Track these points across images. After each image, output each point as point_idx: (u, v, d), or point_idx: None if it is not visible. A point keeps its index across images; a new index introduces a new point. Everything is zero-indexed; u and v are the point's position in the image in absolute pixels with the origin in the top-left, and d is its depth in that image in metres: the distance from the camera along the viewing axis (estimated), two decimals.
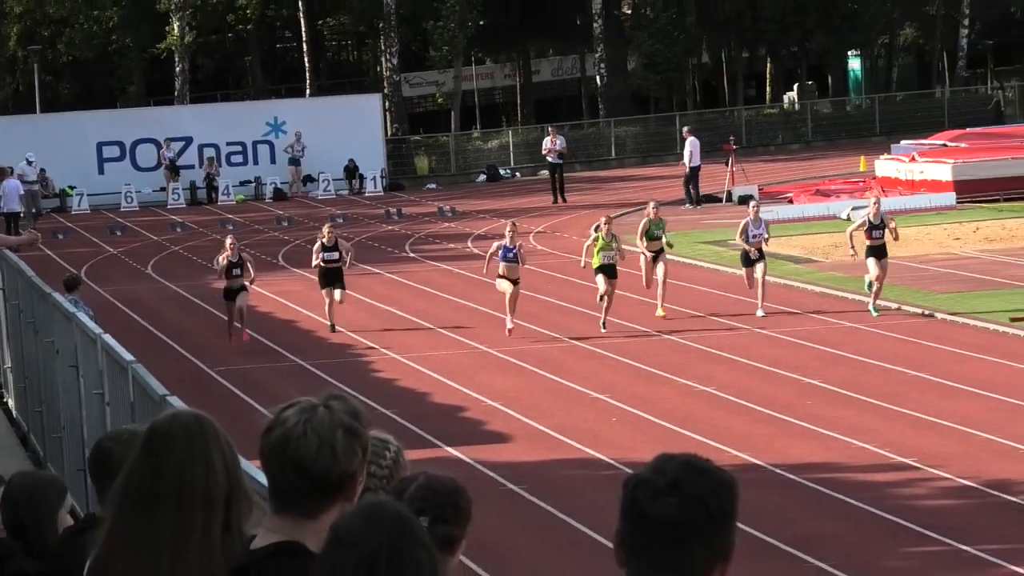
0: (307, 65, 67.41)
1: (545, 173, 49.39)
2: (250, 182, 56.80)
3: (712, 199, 46.48)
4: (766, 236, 27.78)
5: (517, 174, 56.77)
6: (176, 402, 8.81)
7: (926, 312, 25.22)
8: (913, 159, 45.59)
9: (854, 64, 69.78)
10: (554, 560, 17.21)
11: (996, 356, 23.64)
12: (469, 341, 26.54)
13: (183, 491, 4.18)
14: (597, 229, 27.28)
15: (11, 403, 20.92)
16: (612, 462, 19.03)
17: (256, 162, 57.76)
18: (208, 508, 4.18)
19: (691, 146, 47.46)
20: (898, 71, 71.15)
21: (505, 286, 24.89)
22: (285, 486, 4.01)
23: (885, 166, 46.23)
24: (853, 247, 27.27)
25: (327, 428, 3.89)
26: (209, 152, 56.36)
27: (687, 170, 46.81)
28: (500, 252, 24.61)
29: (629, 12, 67.91)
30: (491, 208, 49.81)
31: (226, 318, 26.56)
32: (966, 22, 67.95)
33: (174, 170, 55.47)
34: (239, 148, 57.68)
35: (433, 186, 58.06)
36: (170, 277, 38.13)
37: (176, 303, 34.31)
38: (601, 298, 25.73)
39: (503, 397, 23.53)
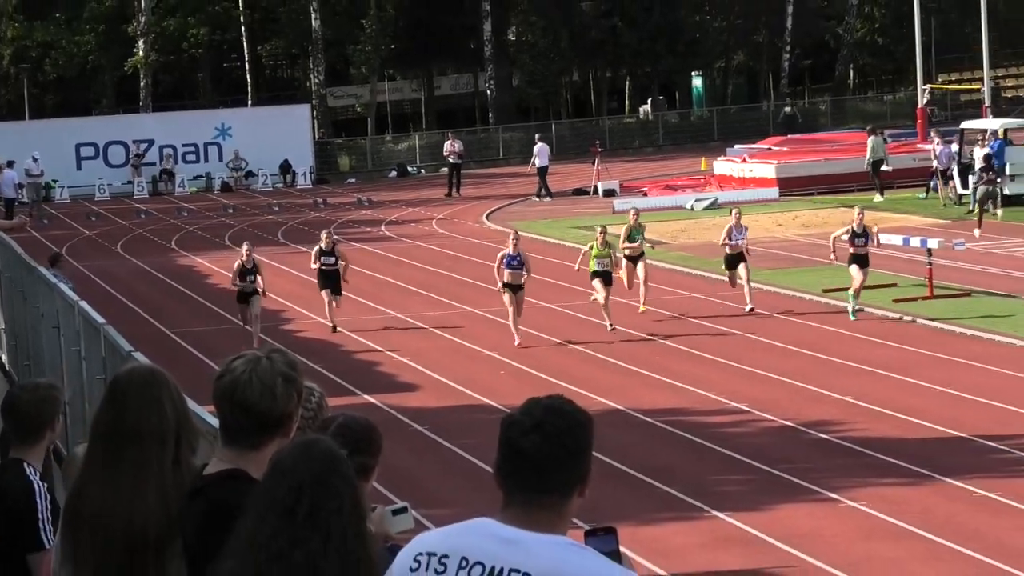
0: (249, 81, 67.13)
1: (445, 170, 49.52)
2: (201, 176, 57.08)
3: (582, 192, 46.48)
4: (745, 240, 24.84)
5: (422, 171, 57.25)
6: (140, 357, 8.37)
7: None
8: (744, 160, 46.62)
9: (697, 82, 70.15)
10: (450, 484, 17.25)
11: (810, 320, 23.72)
12: (379, 307, 26.16)
13: (140, 430, 4.27)
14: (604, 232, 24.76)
15: (4, 357, 21.61)
16: (499, 407, 18.33)
17: (207, 160, 58.10)
18: (161, 444, 4.29)
19: (538, 151, 47.37)
20: (732, 88, 71.84)
21: (507, 299, 22.56)
22: (233, 424, 4.00)
23: (722, 166, 46.93)
24: (835, 252, 24.25)
25: (269, 376, 3.91)
26: (168, 152, 57.27)
27: (536, 170, 46.98)
28: (505, 260, 22.27)
29: (513, 38, 68.01)
30: (401, 199, 50.28)
31: (240, 322, 23.80)
32: (787, 48, 68.52)
33: (138, 167, 56.36)
34: (192, 148, 58.12)
35: (353, 180, 58.04)
36: (136, 255, 38.01)
37: (141, 276, 34.27)
38: (596, 300, 23.50)
39: (412, 355, 23.29)
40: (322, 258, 23.51)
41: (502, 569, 3.04)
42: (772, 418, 18.68)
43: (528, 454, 2.88)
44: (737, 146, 51.33)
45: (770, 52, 69.86)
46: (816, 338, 23.11)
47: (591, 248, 22.64)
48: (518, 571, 3.03)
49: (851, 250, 22.16)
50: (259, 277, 22.42)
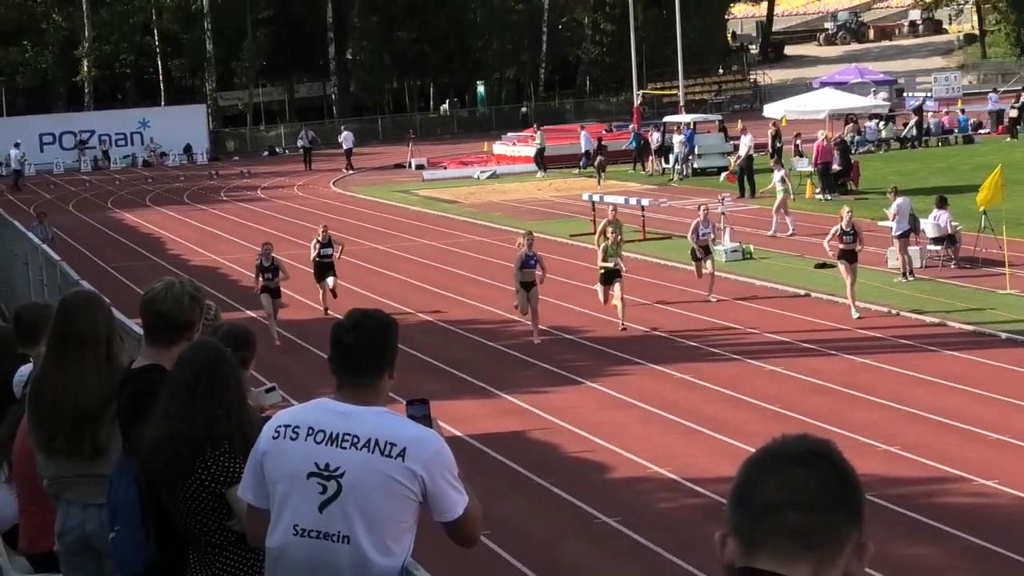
0: (162, 88, 71.19)
1: (302, 152, 49.56)
2: (128, 156, 58.38)
3: (400, 166, 46.80)
4: (712, 235, 20.20)
5: (286, 151, 57.16)
6: (85, 284, 8.67)
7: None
8: (514, 143, 46.93)
9: (480, 88, 70.28)
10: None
11: (564, 257, 23.19)
12: (252, 245, 24.81)
13: (82, 335, 4.35)
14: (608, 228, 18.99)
15: None
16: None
17: (132, 144, 58.76)
18: (96, 344, 4.35)
19: (343, 137, 48.21)
20: (505, 92, 72.69)
21: (521, 298, 17.00)
22: (152, 328, 4.09)
23: (499, 147, 47.49)
24: (830, 251, 18.55)
25: (179, 293, 3.98)
26: (105, 139, 57.89)
27: (344, 150, 47.94)
28: (523, 260, 16.80)
29: (351, 56, 68.99)
30: (271, 172, 51.86)
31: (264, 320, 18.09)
32: (543, 64, 70.98)
33: (83, 150, 57.58)
34: (122, 136, 58.83)
35: (237, 158, 60.55)
36: (83, 212, 38.60)
37: (87, 227, 34.41)
38: (605, 303, 18.03)
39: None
40: (320, 249, 18.99)
41: (338, 434, 3.05)
42: (546, 328, 17.80)
43: (350, 347, 2.93)
44: (509, 133, 52.23)
45: (531, 67, 72.26)
46: (572, 270, 22.03)
47: (604, 249, 17.51)
48: (350, 434, 3.05)
49: (840, 246, 17.41)
50: (280, 273, 17.63)
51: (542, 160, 41.63)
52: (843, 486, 1.44)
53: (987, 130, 43.37)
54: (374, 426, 2.99)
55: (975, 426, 12.71)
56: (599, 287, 18.47)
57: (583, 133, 41.51)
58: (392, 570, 3.16)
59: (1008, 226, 19.01)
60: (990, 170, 20.69)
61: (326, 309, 18.99)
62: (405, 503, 3.03)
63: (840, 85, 47.33)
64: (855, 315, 17.49)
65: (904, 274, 19.98)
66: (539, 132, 43.04)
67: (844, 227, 17.41)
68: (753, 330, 17.84)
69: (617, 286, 17.86)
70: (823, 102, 37.56)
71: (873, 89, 50.35)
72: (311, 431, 3.02)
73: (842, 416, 13.15)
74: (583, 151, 40.03)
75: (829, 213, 25.33)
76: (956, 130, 41.95)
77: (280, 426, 3.11)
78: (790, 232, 25.60)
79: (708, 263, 19.67)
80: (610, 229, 18.34)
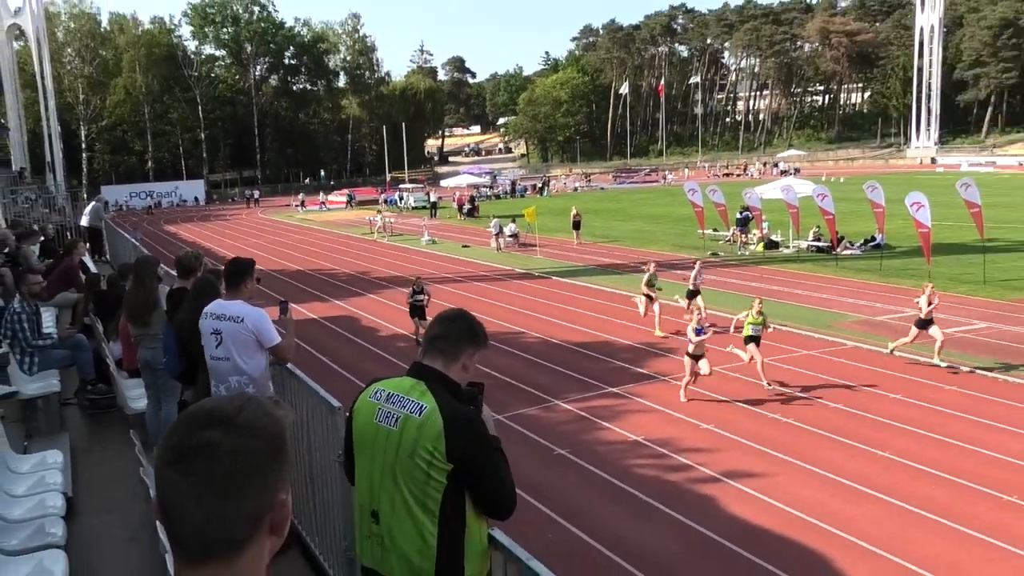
0: (184, 169, 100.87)
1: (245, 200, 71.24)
2: (169, 201, 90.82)
3: (287, 205, 75.58)
4: (702, 280, 23.02)
5: (234, 199, 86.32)
6: (147, 252, 18.92)
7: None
8: (332, 197, 73.22)
9: (323, 172, 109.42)
10: None
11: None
12: None
13: (143, 276, 9.11)
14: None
15: None
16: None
17: (171, 196, 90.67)
18: (150, 281, 9.05)
19: (255, 192, 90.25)
20: (332, 173, 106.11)
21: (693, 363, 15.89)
22: (180, 270, 8.10)
23: (332, 198, 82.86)
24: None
25: (191, 255, 8.38)
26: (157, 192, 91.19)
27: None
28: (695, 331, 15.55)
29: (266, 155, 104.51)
30: (232, 210, 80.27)
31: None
32: (348, 160, 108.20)
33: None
34: (170, 191, 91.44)
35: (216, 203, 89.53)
36: (151, 226, 44.26)
37: (151, 234, 50.82)
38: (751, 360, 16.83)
39: None
40: (414, 296, 20.81)
41: (220, 315, 6.50)
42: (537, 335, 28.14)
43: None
44: (333, 193, 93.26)
45: (340, 161, 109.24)
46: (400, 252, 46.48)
47: (747, 316, 16.63)
48: (225, 314, 6.47)
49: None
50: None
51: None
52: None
53: (529, 191, 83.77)
54: (234, 311, 6.34)
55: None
56: (642, 303, 21.98)
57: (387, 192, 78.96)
58: (251, 370, 6.38)
59: (540, 229, 42.42)
60: (531, 203, 45.22)
61: (418, 341, 20.14)
62: (251, 340, 6.30)
63: (472, 173, 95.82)
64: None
65: (498, 248, 41.46)
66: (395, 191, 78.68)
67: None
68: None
69: (656, 304, 21.50)
70: (464, 180, 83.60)
71: (485, 174, 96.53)
72: (212, 314, 6.43)
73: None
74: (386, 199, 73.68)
75: (473, 225, 49.26)
76: (519, 190, 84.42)
77: (206, 313, 6.44)
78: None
79: (699, 300, 21.91)
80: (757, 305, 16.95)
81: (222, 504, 1.50)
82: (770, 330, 17.39)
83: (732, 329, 18.43)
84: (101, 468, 8.31)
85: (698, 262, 23.77)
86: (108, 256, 26.56)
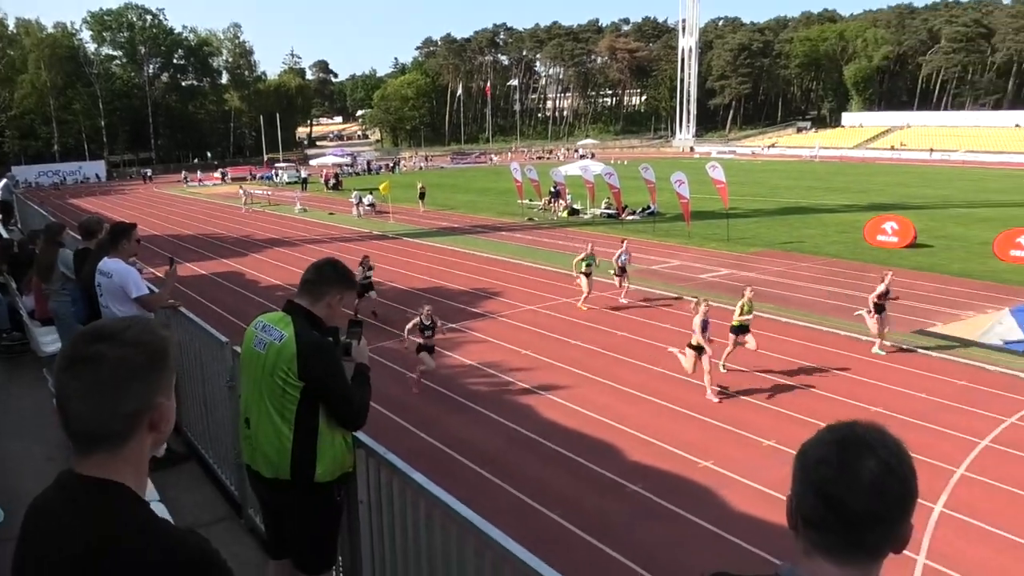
0: (86, 151, 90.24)
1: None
2: (74, 179, 79.29)
3: (179, 181, 69.81)
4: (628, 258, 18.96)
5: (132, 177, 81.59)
6: (53, 219, 14.75)
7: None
8: (212, 176, 67.37)
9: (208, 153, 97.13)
10: None
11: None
12: None
13: (51, 237, 8.55)
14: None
15: None
16: None
17: (76, 174, 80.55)
18: (55, 242, 8.42)
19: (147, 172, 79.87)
20: (219, 154, 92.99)
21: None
22: (83, 232, 7.28)
23: (216, 174, 67.61)
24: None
25: (94, 219, 7.39)
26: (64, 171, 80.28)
27: None
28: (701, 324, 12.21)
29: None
30: (129, 185, 71.62)
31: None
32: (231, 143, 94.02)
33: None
34: (75, 170, 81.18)
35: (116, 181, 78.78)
36: (59, 200, 56.10)
37: (60, 207, 47.11)
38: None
39: None
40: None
41: (103, 271, 5.97)
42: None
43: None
44: (217, 171, 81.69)
45: (225, 144, 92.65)
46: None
47: (741, 307, 13.16)
48: (105, 271, 5.96)
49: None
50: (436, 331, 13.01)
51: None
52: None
53: (383, 170, 79.28)
54: (108, 267, 6.00)
55: None
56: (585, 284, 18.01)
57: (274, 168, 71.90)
58: (124, 313, 5.82)
59: (392, 200, 41.51)
60: (385, 179, 43.58)
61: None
62: (120, 292, 5.96)
63: (336, 155, 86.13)
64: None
65: (359, 215, 40.99)
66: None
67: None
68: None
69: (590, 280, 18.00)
70: (329, 160, 78.28)
71: (347, 155, 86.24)
72: (98, 271, 6.04)
73: None
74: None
75: (338, 196, 47.80)
76: (375, 169, 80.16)
77: (96, 272, 6.02)
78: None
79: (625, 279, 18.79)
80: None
81: (105, 402, 1.49)
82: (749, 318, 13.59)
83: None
84: (19, 402, 7.81)
85: (625, 241, 19.75)
86: (19, 224, 24.99)
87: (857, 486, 1.41)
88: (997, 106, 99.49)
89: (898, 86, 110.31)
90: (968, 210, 36.30)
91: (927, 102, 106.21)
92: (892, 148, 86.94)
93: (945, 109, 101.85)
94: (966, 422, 11.28)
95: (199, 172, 74.19)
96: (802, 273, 22.16)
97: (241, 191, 48.39)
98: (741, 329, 13.53)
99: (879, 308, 14.59)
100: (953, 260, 23.91)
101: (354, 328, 3.78)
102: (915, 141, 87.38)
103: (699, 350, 12.49)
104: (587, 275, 18.35)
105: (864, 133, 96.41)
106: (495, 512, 2.82)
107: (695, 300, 12.90)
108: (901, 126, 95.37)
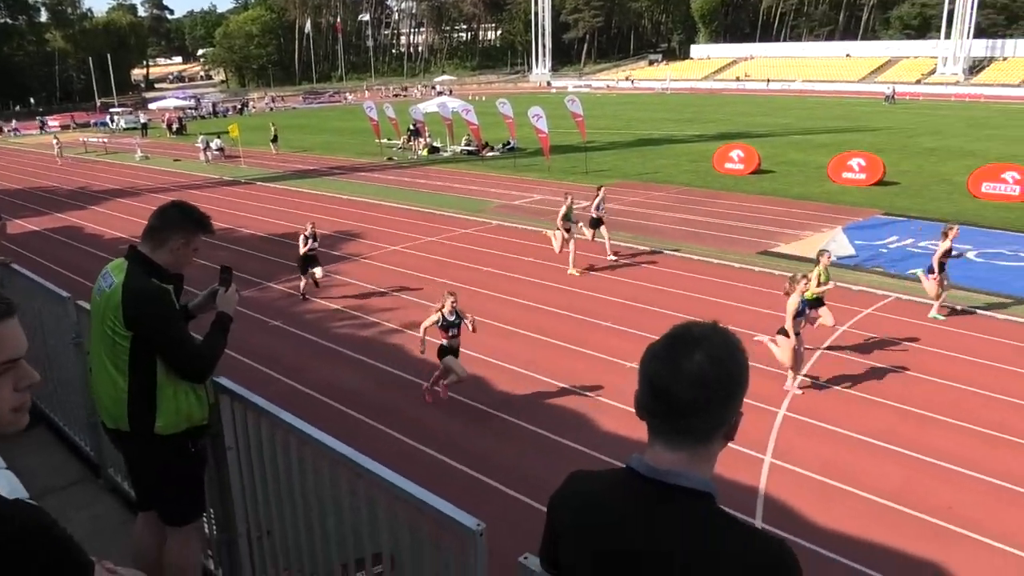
0: None
1: None
2: None
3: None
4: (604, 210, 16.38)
5: None
6: None
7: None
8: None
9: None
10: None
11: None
12: None
13: None
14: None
15: None
16: None
17: None
18: None
19: None
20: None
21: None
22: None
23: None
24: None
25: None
26: None
27: None
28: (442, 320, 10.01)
29: None
30: None
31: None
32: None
33: None
34: None
35: None
36: None
37: None
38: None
39: None
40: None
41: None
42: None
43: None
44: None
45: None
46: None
47: (818, 276, 11.04)
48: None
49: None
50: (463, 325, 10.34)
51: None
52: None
53: (231, 112, 74.27)
54: None
55: None
56: (558, 237, 15.83)
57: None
58: None
59: (243, 143, 38.50)
60: (233, 122, 40.77)
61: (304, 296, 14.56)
62: None
63: (178, 97, 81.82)
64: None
65: (207, 161, 39.30)
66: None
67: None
68: None
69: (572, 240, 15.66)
70: (171, 103, 72.47)
71: (190, 98, 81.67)
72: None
73: None
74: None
75: (183, 142, 44.72)
76: (221, 111, 73.91)
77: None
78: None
79: (603, 230, 16.47)
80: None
81: None
82: (830, 286, 11.37)
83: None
84: None
85: (602, 189, 16.91)
86: None
87: (682, 377, 1.54)
88: (830, 37, 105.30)
89: (741, 19, 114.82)
90: (806, 137, 38.58)
91: (768, 34, 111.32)
92: (737, 79, 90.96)
93: (784, 40, 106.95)
94: (804, 332, 11.89)
95: (14, 121, 66.18)
96: (656, 202, 22.95)
97: (55, 141, 44.14)
98: (816, 303, 11.27)
99: (941, 267, 12.68)
100: (793, 184, 25.43)
101: (224, 275, 3.63)
102: (758, 72, 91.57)
103: (786, 335, 10.14)
104: (567, 230, 15.81)
105: (711, 65, 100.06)
106: (374, 455, 2.84)
107: (791, 276, 10.49)
108: (745, 58, 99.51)
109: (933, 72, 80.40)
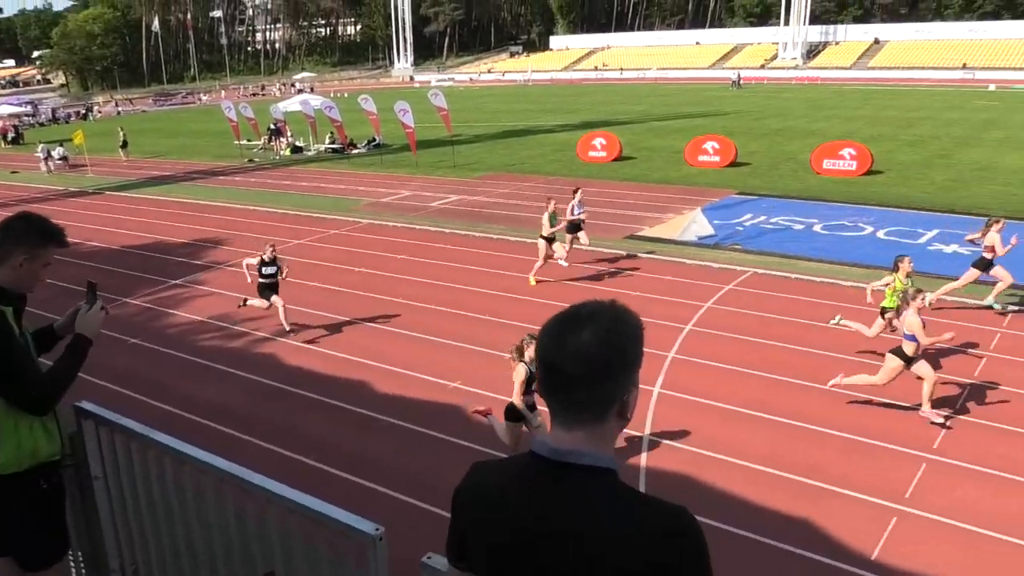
0: None
1: None
2: None
3: None
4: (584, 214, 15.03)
5: None
6: None
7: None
8: None
9: None
10: None
11: None
12: None
13: None
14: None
15: None
16: None
17: None
18: None
19: None
20: None
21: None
22: None
23: None
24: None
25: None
26: None
27: None
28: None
29: None
30: None
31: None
32: None
33: None
34: None
35: None
36: None
37: None
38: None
39: None
40: (263, 268, 11.98)
41: None
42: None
43: None
44: None
45: None
46: None
47: (895, 281, 10.27)
48: None
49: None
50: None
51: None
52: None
53: (74, 118, 67.86)
54: None
55: None
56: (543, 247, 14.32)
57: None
58: None
59: (89, 151, 36.68)
60: (77, 128, 38.36)
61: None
62: None
63: (11, 103, 69.77)
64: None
65: (48, 171, 36.58)
66: None
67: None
68: None
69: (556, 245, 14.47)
70: (4, 110, 60.05)
71: (26, 103, 72.99)
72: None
73: None
74: None
75: (20, 152, 41.05)
76: (61, 118, 67.67)
77: None
78: None
79: (582, 236, 15.33)
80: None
81: None
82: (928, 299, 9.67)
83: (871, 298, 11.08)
84: None
85: (579, 191, 15.65)
86: None
87: (568, 352, 1.56)
88: (680, 26, 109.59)
89: (597, 9, 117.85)
90: (663, 123, 40.13)
91: (623, 24, 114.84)
92: (596, 69, 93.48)
93: (638, 30, 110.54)
94: (672, 311, 12.70)
95: None
96: (526, 193, 23.28)
97: None
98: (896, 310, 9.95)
99: (988, 263, 12.22)
100: (653, 169, 26.44)
101: (89, 292, 3.40)
102: (615, 62, 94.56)
103: (907, 361, 8.92)
104: (550, 240, 14.46)
105: (570, 56, 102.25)
106: (255, 470, 2.75)
107: (904, 291, 9.36)
108: (602, 48, 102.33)
109: (775, 57, 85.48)
